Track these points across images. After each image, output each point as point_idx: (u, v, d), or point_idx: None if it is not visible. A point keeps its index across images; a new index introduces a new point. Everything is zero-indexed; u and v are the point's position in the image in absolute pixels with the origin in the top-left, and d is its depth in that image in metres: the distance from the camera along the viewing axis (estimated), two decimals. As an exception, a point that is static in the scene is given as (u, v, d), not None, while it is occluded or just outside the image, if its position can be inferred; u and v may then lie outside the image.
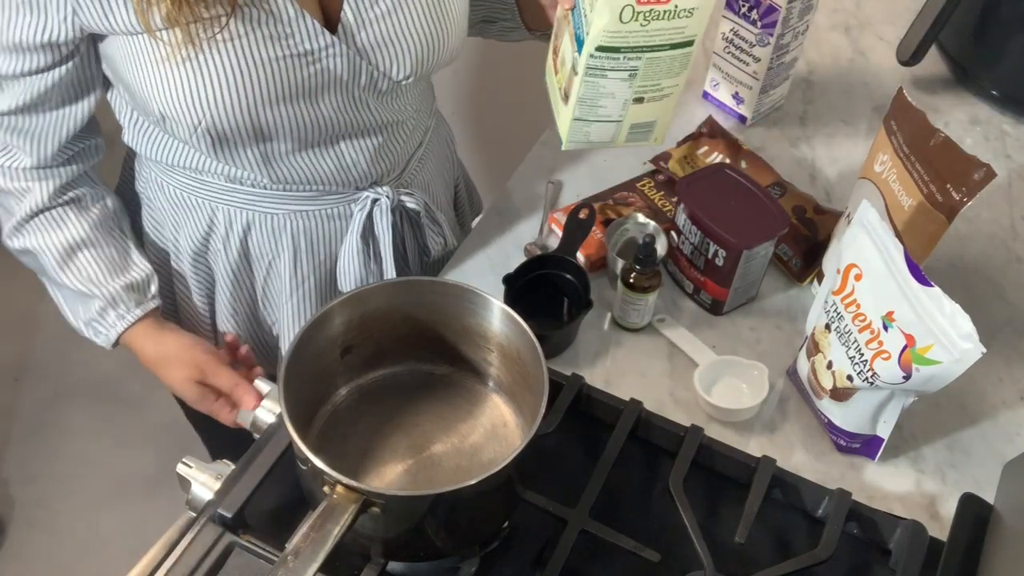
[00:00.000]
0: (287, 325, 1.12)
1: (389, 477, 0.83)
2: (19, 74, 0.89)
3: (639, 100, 0.90)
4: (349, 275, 1.08)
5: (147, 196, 1.08)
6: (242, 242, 1.05)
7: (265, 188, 1.00)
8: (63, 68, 0.90)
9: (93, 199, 1.03)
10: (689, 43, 0.86)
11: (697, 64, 1.40)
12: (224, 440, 1.26)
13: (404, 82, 0.97)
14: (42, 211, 1.00)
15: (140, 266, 1.04)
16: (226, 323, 1.12)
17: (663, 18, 0.83)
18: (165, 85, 0.87)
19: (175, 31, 0.83)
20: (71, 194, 1.01)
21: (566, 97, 0.91)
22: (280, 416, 0.90)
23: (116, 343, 1.03)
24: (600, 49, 0.84)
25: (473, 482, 0.71)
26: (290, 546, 0.69)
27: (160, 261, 1.11)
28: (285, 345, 1.15)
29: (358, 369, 0.88)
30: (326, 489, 0.71)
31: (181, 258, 1.09)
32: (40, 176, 0.98)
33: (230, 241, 1.05)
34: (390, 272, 1.09)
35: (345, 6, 0.90)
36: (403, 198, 1.07)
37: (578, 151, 1.28)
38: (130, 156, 1.11)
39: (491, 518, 0.81)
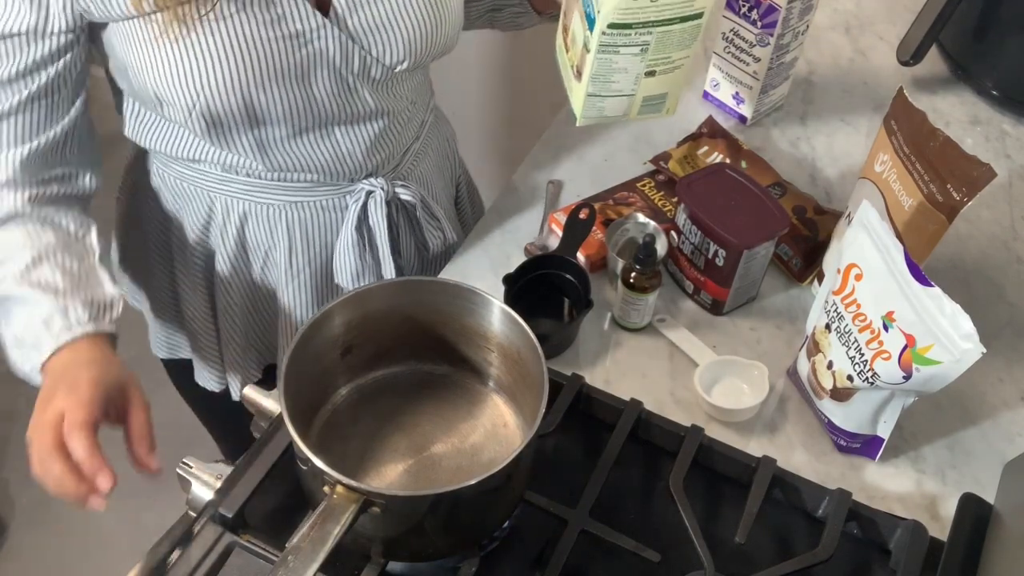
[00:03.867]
0: (283, 318, 1.13)
1: (389, 477, 0.83)
2: (15, 75, 0.88)
3: (651, 73, 0.92)
4: (345, 268, 1.09)
5: (150, 190, 1.09)
6: (239, 232, 1.06)
7: (261, 177, 1.01)
8: (52, 68, 0.89)
9: (76, 223, 0.96)
10: (699, 15, 0.88)
11: (697, 64, 1.41)
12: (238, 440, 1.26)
13: (398, 68, 0.97)
14: (14, 217, 0.92)
15: (107, 287, 0.93)
16: (225, 315, 1.13)
17: None
18: (160, 66, 0.88)
19: (166, 12, 0.85)
20: (49, 210, 0.94)
21: (579, 74, 0.92)
22: (280, 416, 0.90)
23: (43, 366, 0.87)
24: (612, 26, 0.86)
25: (473, 482, 0.71)
26: (290, 546, 0.69)
27: (163, 256, 1.12)
28: (281, 339, 1.16)
29: (358, 369, 0.88)
30: (326, 489, 0.71)
31: (184, 250, 1.10)
32: (16, 183, 0.92)
33: (227, 231, 1.06)
34: (387, 265, 1.10)
35: None
36: (398, 190, 1.08)
37: (578, 151, 1.28)
38: (133, 157, 1.12)
39: (491, 518, 0.81)
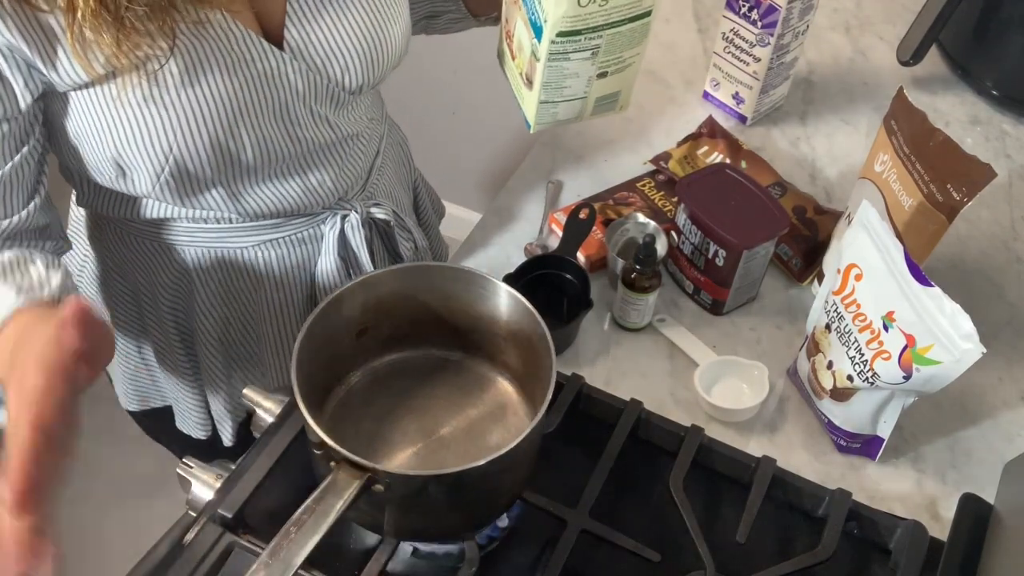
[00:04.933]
0: (269, 356, 1.10)
1: (398, 459, 0.84)
2: None
3: (603, 75, 0.91)
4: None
5: (106, 251, 1.04)
6: (215, 281, 1.02)
7: (232, 222, 0.98)
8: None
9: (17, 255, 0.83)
10: (647, 13, 0.87)
11: (697, 64, 1.41)
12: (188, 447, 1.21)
13: (362, 91, 0.96)
14: None
15: (40, 264, 0.82)
16: (207, 364, 1.09)
17: None
18: (124, 131, 0.83)
19: (124, 75, 0.79)
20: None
21: (529, 82, 0.91)
22: (280, 417, 0.91)
23: None
24: (561, 35, 0.84)
25: (479, 464, 0.72)
26: (293, 518, 0.69)
27: (128, 312, 1.08)
28: (270, 377, 1.12)
29: (373, 352, 0.89)
30: (332, 464, 0.72)
31: (155, 305, 1.05)
32: None
33: (202, 282, 1.02)
34: None
35: (287, 21, 0.88)
36: (372, 210, 1.05)
37: (577, 151, 1.28)
38: (82, 217, 1.07)
39: (495, 502, 0.82)
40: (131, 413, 1.22)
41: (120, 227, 1.01)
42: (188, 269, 1.02)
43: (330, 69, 0.92)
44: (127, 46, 0.77)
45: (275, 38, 0.88)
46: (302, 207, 0.99)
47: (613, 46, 0.88)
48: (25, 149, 0.83)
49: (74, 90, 0.82)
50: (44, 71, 0.79)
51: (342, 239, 1.04)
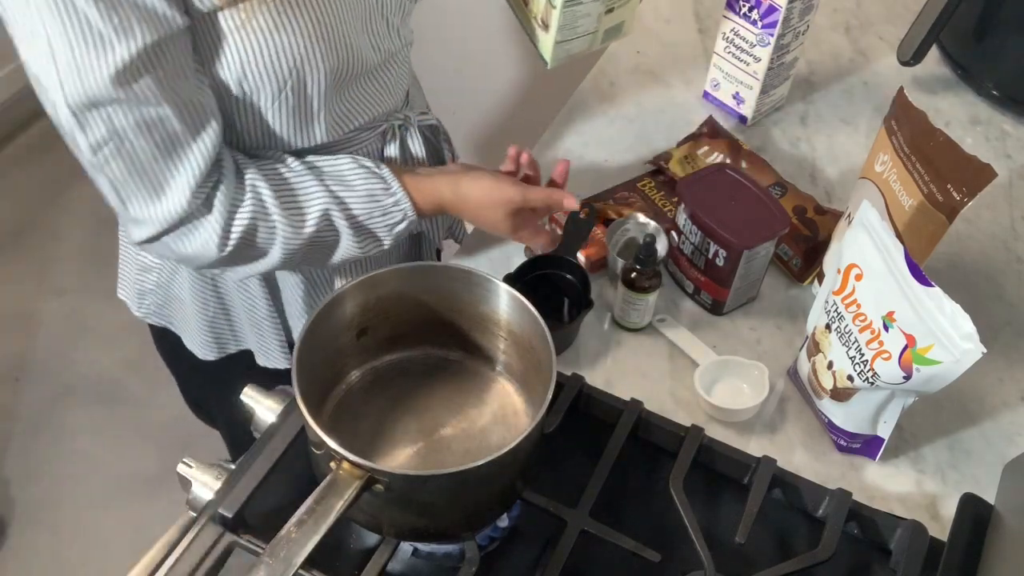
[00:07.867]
0: (342, 276, 1.13)
1: (399, 458, 0.84)
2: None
3: (610, 10, 1.04)
4: None
5: None
6: None
7: (309, 144, 1.00)
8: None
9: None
10: None
11: (698, 64, 1.41)
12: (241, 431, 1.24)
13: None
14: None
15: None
16: (291, 291, 1.12)
17: None
18: (251, 51, 0.87)
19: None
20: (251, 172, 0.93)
21: (545, 26, 1.03)
22: (280, 416, 0.91)
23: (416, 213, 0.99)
24: None
25: (478, 463, 0.72)
26: (293, 518, 0.69)
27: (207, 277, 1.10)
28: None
29: (373, 351, 0.90)
30: (332, 464, 0.72)
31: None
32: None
33: None
34: None
35: None
36: (420, 117, 1.11)
37: (578, 151, 1.28)
38: None
39: (496, 502, 0.82)
40: (207, 363, 1.23)
41: None
42: None
43: None
44: None
45: None
46: (376, 118, 1.04)
47: None
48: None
49: (212, 12, 0.84)
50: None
51: (402, 148, 1.08)
